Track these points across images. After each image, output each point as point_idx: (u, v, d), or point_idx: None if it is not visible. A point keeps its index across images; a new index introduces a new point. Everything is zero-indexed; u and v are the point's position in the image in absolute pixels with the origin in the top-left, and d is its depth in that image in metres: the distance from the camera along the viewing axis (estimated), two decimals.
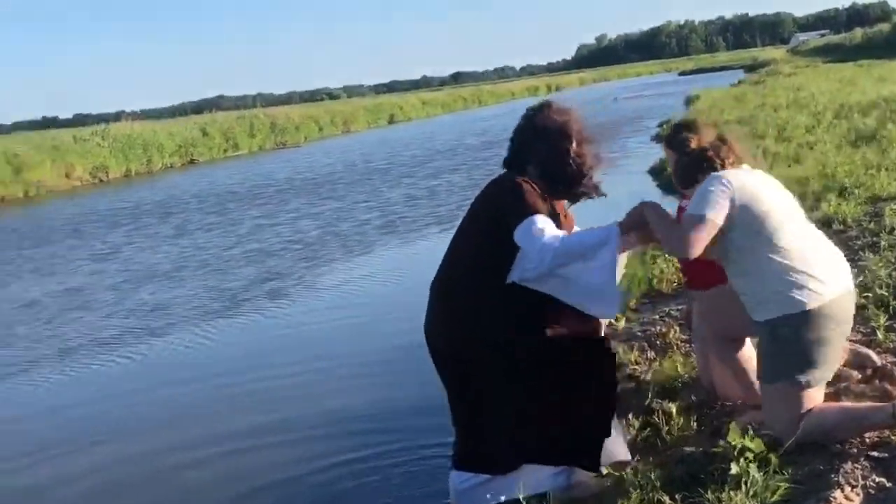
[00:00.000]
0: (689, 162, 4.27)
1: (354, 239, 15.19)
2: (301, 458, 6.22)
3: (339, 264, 13.22)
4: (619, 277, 4.23)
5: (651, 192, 14.54)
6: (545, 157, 4.22)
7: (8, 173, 33.76)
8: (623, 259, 4.37)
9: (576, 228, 4.42)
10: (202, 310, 11.22)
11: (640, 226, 4.12)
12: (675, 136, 4.86)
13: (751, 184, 4.04)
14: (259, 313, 10.76)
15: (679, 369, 5.36)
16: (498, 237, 4.09)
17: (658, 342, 6.17)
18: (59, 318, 11.83)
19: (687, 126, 4.96)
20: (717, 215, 3.91)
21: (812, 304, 3.88)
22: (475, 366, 4.21)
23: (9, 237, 21.59)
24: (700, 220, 3.91)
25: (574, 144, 4.24)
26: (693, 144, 4.75)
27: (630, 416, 4.78)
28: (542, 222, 4.02)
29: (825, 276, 3.94)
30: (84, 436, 7.32)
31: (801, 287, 3.89)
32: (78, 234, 20.49)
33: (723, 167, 4.14)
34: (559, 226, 4.20)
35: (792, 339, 3.91)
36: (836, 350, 4.03)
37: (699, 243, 3.90)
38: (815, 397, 4.00)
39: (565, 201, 4.49)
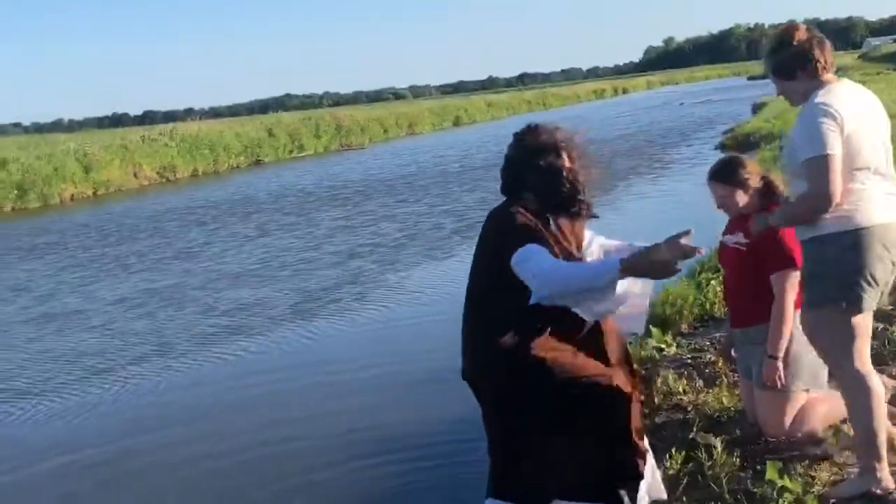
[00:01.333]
0: (793, 54, 4.14)
1: (434, 243, 15.42)
2: (337, 468, 6.62)
3: (419, 269, 13.52)
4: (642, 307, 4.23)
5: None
6: (540, 179, 4.22)
7: (78, 172, 34.39)
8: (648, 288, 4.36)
9: (585, 244, 4.47)
10: (290, 311, 11.69)
11: (643, 270, 3.92)
12: (729, 170, 4.93)
13: (854, 117, 3.99)
14: (343, 316, 11.18)
15: (725, 401, 5.39)
16: (502, 269, 4.10)
17: (707, 371, 6.17)
18: (154, 315, 12.33)
19: (739, 162, 5.02)
20: (835, 147, 3.89)
21: (866, 223, 3.93)
22: (501, 397, 4.26)
23: (90, 233, 22.23)
24: (823, 159, 3.88)
25: (566, 161, 4.24)
26: (750, 180, 4.82)
27: (674, 449, 4.81)
28: (534, 251, 4.00)
29: (881, 203, 3.99)
30: (188, 427, 7.96)
31: (858, 207, 3.94)
32: (161, 233, 21.02)
33: (820, 72, 4.10)
34: (564, 245, 4.24)
35: (842, 256, 3.93)
36: (883, 275, 4.01)
37: (835, 183, 3.87)
38: (864, 327, 4.05)
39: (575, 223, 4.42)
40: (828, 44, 4.18)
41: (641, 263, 3.83)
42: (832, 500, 3.99)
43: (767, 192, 4.91)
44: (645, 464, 4.28)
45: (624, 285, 3.97)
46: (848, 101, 4.03)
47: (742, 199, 4.89)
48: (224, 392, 8.85)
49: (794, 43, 4.14)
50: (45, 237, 22.26)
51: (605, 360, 4.21)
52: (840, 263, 3.93)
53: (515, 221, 4.12)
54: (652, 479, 4.34)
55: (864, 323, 4.04)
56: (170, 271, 15.64)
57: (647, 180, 21.48)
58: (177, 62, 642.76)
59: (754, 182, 4.89)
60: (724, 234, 5.09)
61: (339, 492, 6.25)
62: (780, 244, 4.71)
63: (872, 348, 5.87)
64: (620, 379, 4.22)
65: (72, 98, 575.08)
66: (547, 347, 4.12)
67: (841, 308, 3.95)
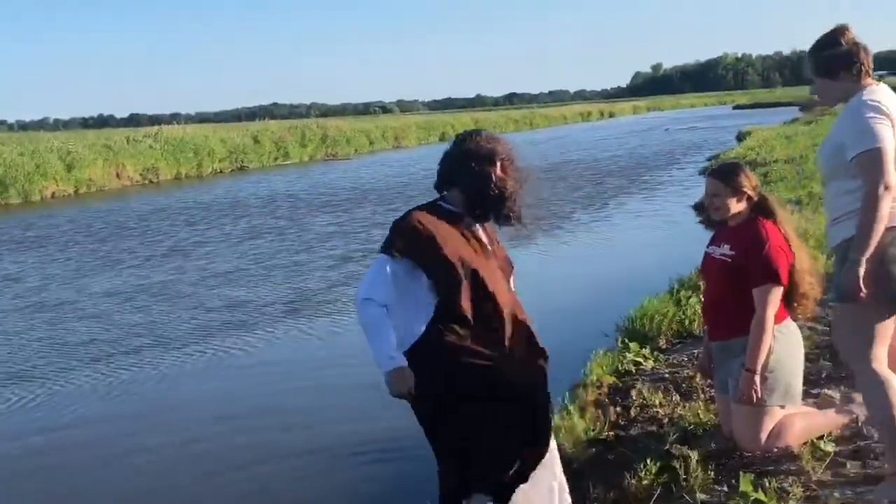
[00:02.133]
0: (840, 54, 4.12)
1: None
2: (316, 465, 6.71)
3: None
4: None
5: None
6: (469, 181, 4.35)
7: (60, 170, 34.24)
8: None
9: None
10: (283, 310, 11.92)
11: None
12: (730, 173, 4.94)
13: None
14: (337, 315, 11.36)
15: (702, 416, 5.36)
16: None
17: (684, 385, 6.16)
18: (144, 309, 12.51)
19: (742, 168, 5.01)
20: (887, 143, 3.86)
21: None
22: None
23: (79, 229, 22.36)
24: (878, 152, 3.84)
25: (498, 170, 4.36)
26: (746, 188, 4.80)
27: (648, 459, 4.77)
28: (378, 268, 4.26)
29: None
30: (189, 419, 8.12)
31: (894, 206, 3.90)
32: (151, 231, 21.21)
33: (863, 76, 4.09)
34: (486, 248, 4.38)
35: (879, 256, 3.85)
36: None
37: (890, 173, 3.84)
38: (888, 328, 4.00)
39: (496, 231, 4.60)
40: (871, 50, 4.18)
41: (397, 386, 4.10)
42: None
43: (761, 207, 4.90)
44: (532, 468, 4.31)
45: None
46: (891, 99, 4.03)
47: (733, 204, 4.86)
48: (212, 386, 9.02)
49: (843, 43, 4.13)
50: (34, 231, 22.47)
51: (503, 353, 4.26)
52: (875, 263, 3.86)
53: (401, 222, 4.29)
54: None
55: (888, 324, 4.01)
56: (161, 268, 15.80)
57: (638, 199, 22.04)
58: (165, 67, 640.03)
59: (749, 192, 4.87)
60: (710, 244, 5.08)
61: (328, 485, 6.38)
62: (766, 258, 4.70)
63: (849, 369, 5.90)
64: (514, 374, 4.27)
65: (58, 98, 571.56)
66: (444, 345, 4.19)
67: (871, 307, 3.90)
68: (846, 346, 4.16)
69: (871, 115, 3.90)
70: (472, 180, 4.33)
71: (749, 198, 4.88)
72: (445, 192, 4.45)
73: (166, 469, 6.91)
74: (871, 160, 3.84)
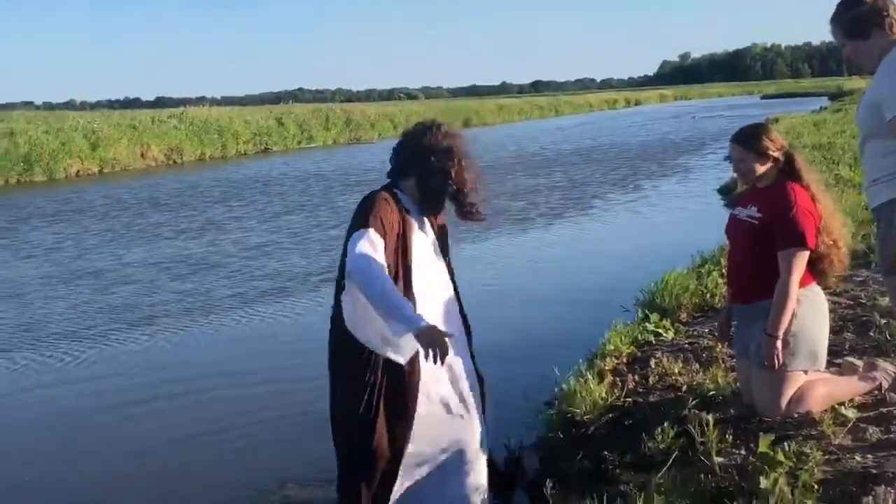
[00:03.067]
0: (868, 11, 3.99)
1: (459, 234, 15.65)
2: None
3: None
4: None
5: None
6: (427, 175, 4.37)
7: (85, 148, 34.38)
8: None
9: None
10: (324, 278, 12.00)
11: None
12: (752, 136, 4.82)
13: None
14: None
15: (721, 382, 5.28)
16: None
17: (704, 355, 6.08)
18: (193, 276, 12.89)
19: (766, 130, 4.88)
20: None
21: None
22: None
23: (113, 204, 22.70)
24: None
25: (455, 167, 4.37)
26: (771, 150, 4.69)
27: (666, 423, 4.69)
28: (370, 236, 4.09)
29: None
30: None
31: None
32: (186, 206, 21.61)
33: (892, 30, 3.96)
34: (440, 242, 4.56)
35: None
36: None
37: None
38: None
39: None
40: None
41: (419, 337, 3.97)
42: None
43: (788, 168, 4.79)
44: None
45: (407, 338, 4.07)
46: None
47: (758, 168, 4.75)
48: (254, 347, 9.22)
49: (868, 0, 3.97)
50: (69, 206, 22.77)
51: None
52: None
53: (368, 205, 4.23)
54: None
55: None
56: (197, 240, 16.14)
57: (672, 182, 22.56)
58: (192, 52, 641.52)
59: (775, 154, 4.74)
60: (736, 206, 4.97)
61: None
62: (793, 221, 4.57)
63: (873, 341, 5.82)
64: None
65: (85, 80, 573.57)
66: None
67: None
68: None
69: None
70: (431, 175, 4.35)
71: (775, 159, 4.76)
72: (400, 181, 4.44)
73: (208, 425, 7.02)
74: None
